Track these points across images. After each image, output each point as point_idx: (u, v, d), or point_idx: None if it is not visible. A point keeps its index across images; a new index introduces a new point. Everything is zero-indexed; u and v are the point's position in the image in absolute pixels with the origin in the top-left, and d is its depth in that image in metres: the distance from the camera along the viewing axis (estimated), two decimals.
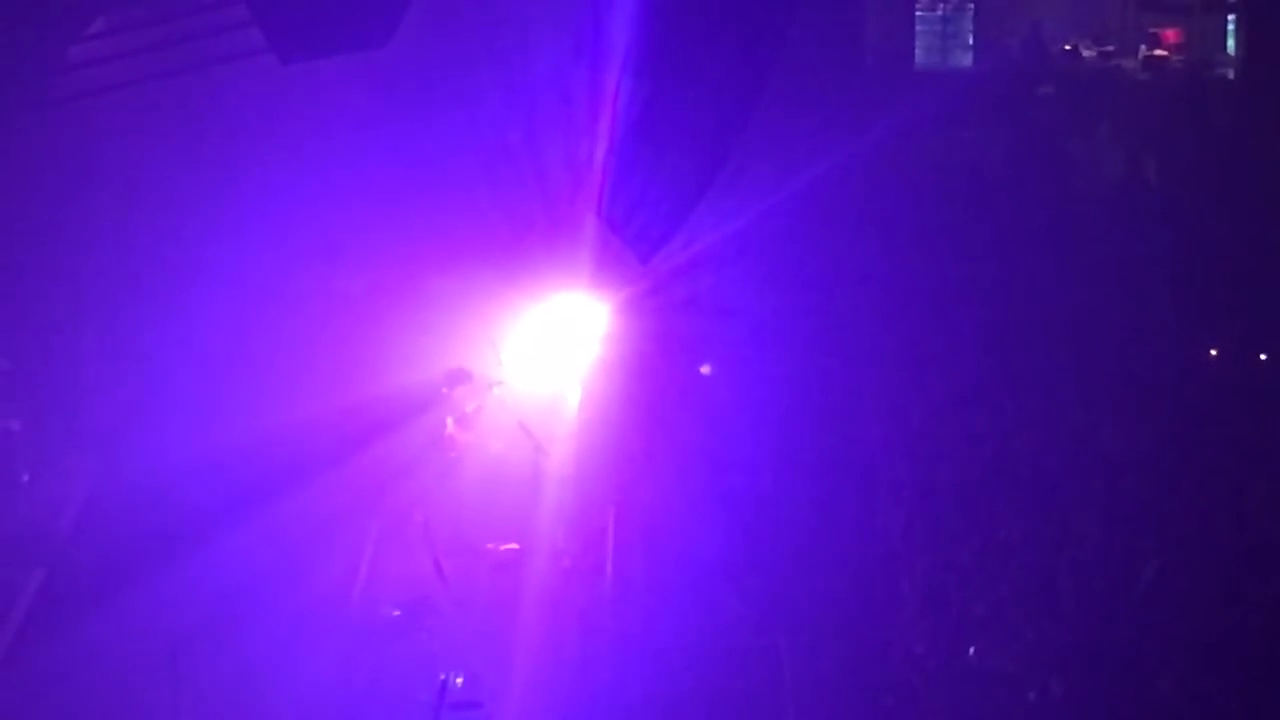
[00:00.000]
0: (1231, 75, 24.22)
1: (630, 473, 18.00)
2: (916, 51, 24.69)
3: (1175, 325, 19.99)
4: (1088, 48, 25.39)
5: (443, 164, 19.36)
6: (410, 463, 17.89)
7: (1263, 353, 19.94)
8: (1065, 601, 15.78)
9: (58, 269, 18.96)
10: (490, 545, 17.08)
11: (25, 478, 17.93)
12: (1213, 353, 19.97)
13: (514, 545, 17.07)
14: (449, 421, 18.29)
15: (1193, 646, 14.97)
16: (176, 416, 17.98)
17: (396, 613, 15.84)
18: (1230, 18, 24.69)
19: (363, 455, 17.67)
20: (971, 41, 24.96)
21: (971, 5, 24.92)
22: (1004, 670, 15.07)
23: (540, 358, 19.24)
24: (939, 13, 24.88)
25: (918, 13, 24.74)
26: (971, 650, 15.36)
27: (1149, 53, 25.14)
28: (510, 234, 19.48)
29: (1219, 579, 15.72)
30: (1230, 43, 24.66)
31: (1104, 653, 15.01)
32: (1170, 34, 25.33)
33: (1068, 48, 25.12)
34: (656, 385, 19.15)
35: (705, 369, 19.20)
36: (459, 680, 14.88)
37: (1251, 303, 20.10)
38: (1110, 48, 25.53)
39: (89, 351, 19.18)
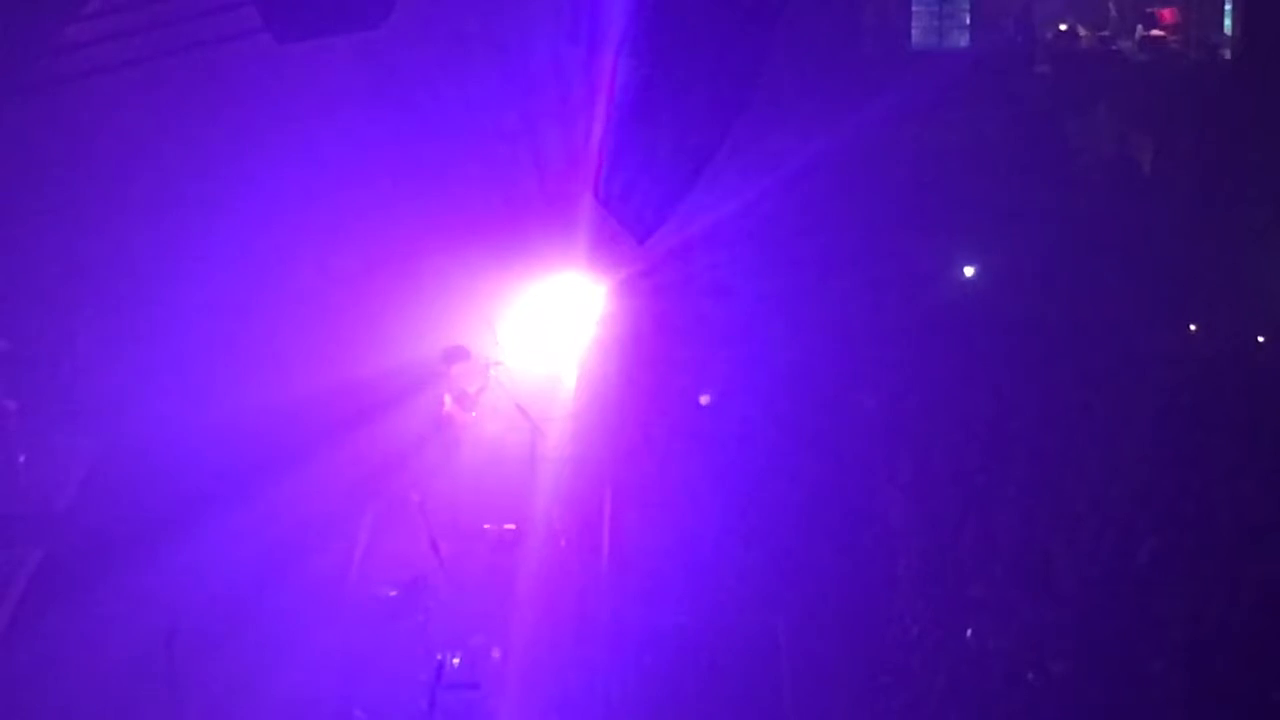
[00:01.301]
0: (1228, 55, 24.19)
1: (627, 453, 18.00)
2: (913, 31, 24.65)
3: (1172, 307, 20.01)
4: (1085, 28, 25.35)
5: (440, 144, 19.35)
6: (408, 442, 17.89)
7: (1260, 335, 19.97)
8: (1062, 582, 15.81)
9: (55, 248, 18.95)
10: (487, 526, 17.10)
11: (22, 458, 17.89)
12: (1192, 328, 19.99)
13: (511, 526, 17.08)
14: (447, 399, 18.27)
15: (1189, 626, 15.00)
16: (174, 397, 17.98)
17: (393, 593, 15.82)
18: None
19: (360, 434, 17.69)
20: (969, 22, 24.92)
21: None
22: (1001, 650, 15.10)
23: (537, 338, 19.23)
24: None
25: None
26: (969, 631, 15.39)
27: (1146, 33, 25.13)
28: (507, 214, 19.47)
29: (1215, 559, 15.76)
30: (1227, 23, 24.63)
31: (1100, 633, 15.04)
32: (1167, 14, 25.35)
33: (1064, 28, 25.08)
34: (653, 366, 19.14)
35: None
36: (456, 660, 14.89)
37: (1249, 284, 20.12)
38: (1106, 30, 25.50)
39: (86, 331, 19.16)
